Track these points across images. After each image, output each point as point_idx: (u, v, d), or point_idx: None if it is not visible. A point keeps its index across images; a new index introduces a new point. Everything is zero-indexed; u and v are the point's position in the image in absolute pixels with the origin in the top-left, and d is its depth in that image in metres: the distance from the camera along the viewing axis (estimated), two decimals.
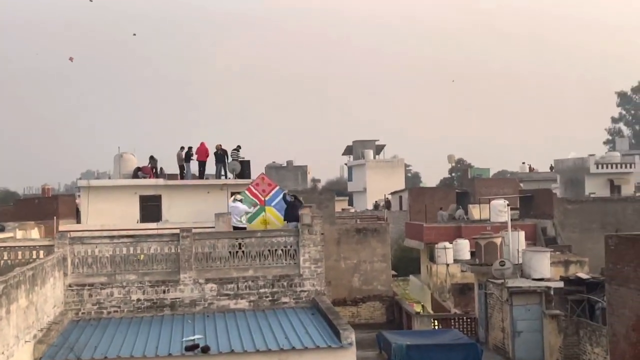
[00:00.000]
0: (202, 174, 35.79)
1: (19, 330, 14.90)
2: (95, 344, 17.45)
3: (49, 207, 43.43)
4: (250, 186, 24.81)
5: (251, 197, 24.08)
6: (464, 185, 70.22)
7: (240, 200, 24.23)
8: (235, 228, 23.99)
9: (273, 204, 24.00)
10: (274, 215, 23.88)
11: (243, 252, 21.09)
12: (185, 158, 35.61)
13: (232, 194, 28.75)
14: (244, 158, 35.20)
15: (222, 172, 35.48)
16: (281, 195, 24.28)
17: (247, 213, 23.80)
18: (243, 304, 20.78)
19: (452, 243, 41.28)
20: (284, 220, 24.00)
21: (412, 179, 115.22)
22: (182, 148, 36.02)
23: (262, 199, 24.08)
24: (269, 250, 21.24)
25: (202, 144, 35.38)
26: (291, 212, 23.55)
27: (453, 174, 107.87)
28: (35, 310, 16.38)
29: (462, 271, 37.89)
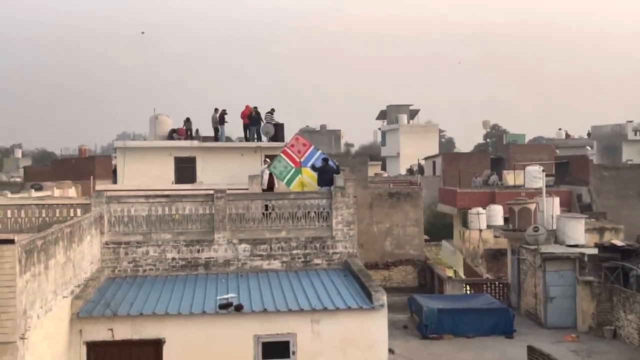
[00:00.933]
0: (247, 137, 35.82)
1: (57, 285, 15.18)
2: (131, 301, 17.73)
3: (86, 168, 44.07)
4: (285, 148, 24.57)
5: (287, 159, 23.74)
6: (499, 151, 69.57)
7: (269, 166, 24.34)
8: (265, 190, 24.21)
9: (309, 164, 23.65)
10: (310, 177, 23.55)
11: (276, 213, 21.18)
12: (219, 120, 35.73)
13: (266, 157, 28.82)
14: (277, 121, 35.25)
15: (256, 135, 35.59)
16: (317, 155, 23.89)
17: (282, 174, 23.78)
18: (276, 264, 20.92)
19: (485, 209, 41.08)
20: (318, 185, 23.95)
21: (446, 145, 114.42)
22: (217, 110, 36.13)
23: (298, 160, 23.78)
24: (302, 212, 21.29)
25: (247, 107, 35.33)
26: (325, 176, 23.51)
27: (488, 140, 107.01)
28: (72, 267, 16.66)
29: (495, 236, 37.76)
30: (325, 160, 23.84)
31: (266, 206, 21.29)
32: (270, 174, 24.65)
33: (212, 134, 36.93)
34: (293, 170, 23.78)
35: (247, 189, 28.16)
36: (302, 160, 23.75)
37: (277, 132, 34.76)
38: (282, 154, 24.20)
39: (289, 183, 23.83)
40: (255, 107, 35.37)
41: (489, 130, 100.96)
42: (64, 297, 15.76)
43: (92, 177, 38.17)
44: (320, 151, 24.58)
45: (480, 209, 40.93)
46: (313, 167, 23.67)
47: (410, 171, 69.71)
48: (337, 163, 24.69)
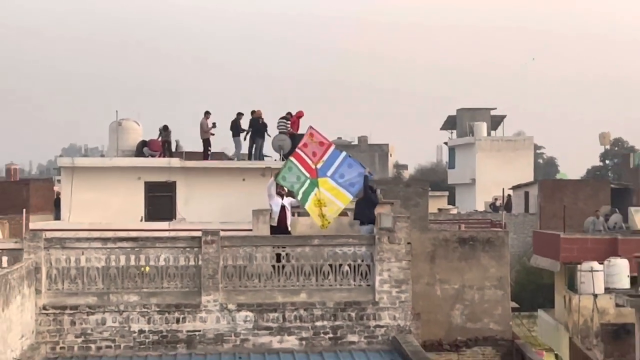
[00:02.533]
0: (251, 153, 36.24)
1: None
2: None
3: (16, 196, 44.50)
4: (297, 149, 24.09)
5: (300, 166, 23.37)
6: (624, 178, 69.22)
7: (276, 177, 24.00)
8: (274, 229, 24.11)
9: (329, 173, 23.23)
10: (330, 191, 23.08)
11: (293, 266, 21.23)
12: (234, 128, 35.85)
13: (277, 175, 28.97)
14: (295, 131, 35.41)
15: (262, 151, 35.79)
16: (341, 158, 23.45)
17: (293, 187, 23.44)
18: (291, 341, 20.92)
19: (603, 263, 40.72)
20: (355, 219, 23.86)
21: (545, 167, 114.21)
22: (207, 114, 36.43)
23: (313, 167, 23.32)
24: (330, 266, 21.31)
25: (256, 112, 35.63)
26: (365, 208, 23.48)
27: (607, 162, 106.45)
28: None
29: (617, 305, 37.36)
30: (365, 177, 23.53)
31: (278, 255, 21.35)
32: (283, 206, 24.46)
33: (199, 149, 37.24)
34: (308, 182, 23.32)
35: (251, 230, 28.28)
36: (318, 167, 23.35)
37: (295, 146, 34.89)
38: (292, 159, 23.82)
39: (304, 201, 23.46)
40: (259, 112, 35.69)
41: (608, 147, 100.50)
42: None
43: (24, 209, 38.51)
44: (345, 153, 24.01)
45: (595, 264, 40.54)
46: (364, 181, 23.29)
47: (492, 206, 69.53)
48: (378, 190, 24.64)
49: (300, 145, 24.13)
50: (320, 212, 23.11)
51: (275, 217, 24.23)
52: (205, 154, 36.66)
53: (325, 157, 23.40)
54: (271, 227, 24.31)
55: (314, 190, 23.20)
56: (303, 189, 23.31)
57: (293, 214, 25.25)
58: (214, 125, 36.29)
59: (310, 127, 24.36)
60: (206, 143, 36.60)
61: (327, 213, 23.11)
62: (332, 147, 23.84)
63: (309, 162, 23.38)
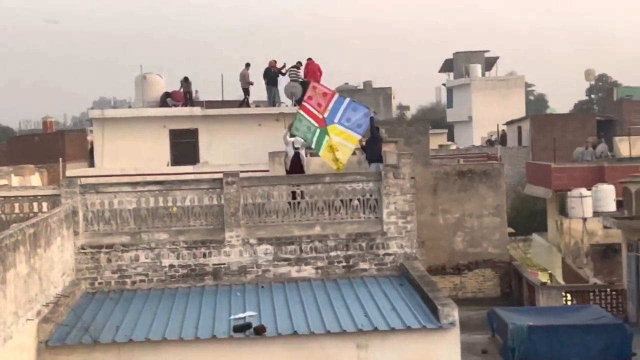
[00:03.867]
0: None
1: (19, 305, 15.39)
2: (116, 324, 17.89)
3: (52, 146, 44.41)
4: (304, 102, 23.95)
5: (308, 117, 23.28)
6: (608, 110, 68.80)
7: (292, 135, 24.12)
8: (291, 171, 24.14)
9: (336, 119, 23.01)
10: (340, 135, 22.95)
11: (307, 202, 21.22)
12: (268, 77, 35.66)
13: (291, 126, 28.86)
14: (306, 79, 35.22)
15: (277, 98, 35.66)
16: (345, 103, 23.22)
17: (307, 137, 23.39)
18: (308, 271, 20.97)
19: (591, 190, 40.62)
20: (367, 159, 23.81)
21: (536, 104, 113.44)
22: (248, 65, 36.36)
23: (321, 117, 23.15)
24: (341, 201, 21.29)
25: (310, 62, 35.26)
26: (373, 147, 23.42)
27: (592, 96, 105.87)
28: (38, 280, 16.88)
29: (604, 227, 37.38)
30: (371, 120, 23.52)
31: (294, 193, 21.34)
32: (297, 151, 24.50)
33: (216, 97, 37.17)
34: (318, 131, 23.28)
35: (268, 171, 28.24)
36: (325, 116, 23.18)
37: (306, 93, 34.72)
38: (301, 111, 23.76)
39: (317, 149, 23.50)
40: (274, 61, 35.45)
41: (593, 82, 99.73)
42: (28, 320, 15.97)
43: (61, 158, 38.53)
44: (349, 99, 23.81)
45: (584, 190, 40.41)
46: (369, 119, 23.19)
47: (488, 141, 69.32)
48: (382, 131, 24.54)
49: (305, 98, 24.11)
50: (334, 157, 23.16)
51: (289, 160, 24.34)
52: (246, 102, 36.65)
53: (330, 106, 23.23)
54: (286, 170, 24.36)
55: (325, 138, 23.17)
56: (315, 137, 23.33)
57: (305, 155, 25.23)
58: (268, 72, 36.06)
59: (312, 83, 24.54)
60: (246, 92, 36.65)
61: (340, 156, 23.16)
62: (336, 95, 23.65)
63: (316, 112, 23.29)
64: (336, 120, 23.07)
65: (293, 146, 24.64)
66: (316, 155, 24.90)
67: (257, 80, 36.23)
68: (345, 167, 23.63)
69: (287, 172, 24.43)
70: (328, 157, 23.30)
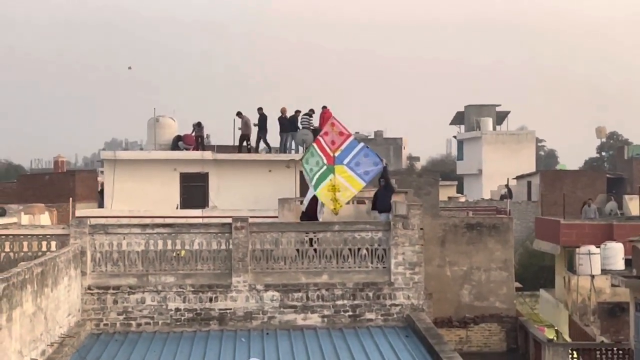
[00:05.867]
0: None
1: (23, 344, 15.36)
2: None
3: (63, 186, 44.58)
4: (319, 137, 23.86)
5: (320, 153, 23.17)
6: (618, 168, 68.79)
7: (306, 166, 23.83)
8: (305, 217, 24.11)
9: (346, 161, 22.94)
10: (346, 178, 22.85)
11: (315, 250, 21.20)
12: (280, 124, 35.73)
13: (302, 173, 28.91)
14: (318, 127, 35.38)
15: (289, 145, 35.78)
16: (358, 148, 23.14)
17: (311, 172, 23.18)
18: (314, 319, 20.90)
19: (599, 247, 40.51)
20: (373, 209, 23.78)
21: (546, 159, 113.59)
22: (240, 114, 36.42)
23: (331, 154, 23.06)
24: (349, 249, 21.27)
25: (325, 110, 35.35)
26: (383, 199, 23.42)
27: (603, 153, 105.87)
28: (44, 319, 16.86)
29: (612, 285, 37.15)
30: (384, 170, 23.50)
31: (310, 240, 21.29)
32: (314, 196, 24.28)
33: (229, 142, 37.28)
34: (325, 167, 23.15)
35: (277, 217, 28.25)
36: (336, 154, 23.06)
37: None
38: (314, 145, 23.66)
39: (316, 185, 23.26)
40: (285, 109, 35.62)
41: (604, 140, 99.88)
42: (32, 359, 15.92)
43: (71, 198, 38.65)
44: (363, 144, 23.73)
45: (592, 248, 40.32)
46: (383, 171, 23.11)
47: (502, 196, 69.25)
48: (393, 182, 24.49)
49: (321, 133, 24.04)
50: (334, 197, 22.97)
51: (306, 203, 24.18)
52: (240, 148, 36.84)
53: (343, 146, 23.19)
54: (302, 214, 24.22)
55: (329, 176, 23.03)
56: (318, 174, 23.21)
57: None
58: (283, 119, 36.23)
59: (333, 118, 24.30)
60: (247, 138, 36.80)
61: (340, 198, 23.01)
62: (351, 138, 23.62)
63: (328, 149, 23.22)
64: (345, 161, 23.00)
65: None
66: None
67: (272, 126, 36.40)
68: (353, 215, 23.57)
69: (304, 213, 24.18)
70: (327, 196, 23.08)
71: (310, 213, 24.02)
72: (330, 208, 23.18)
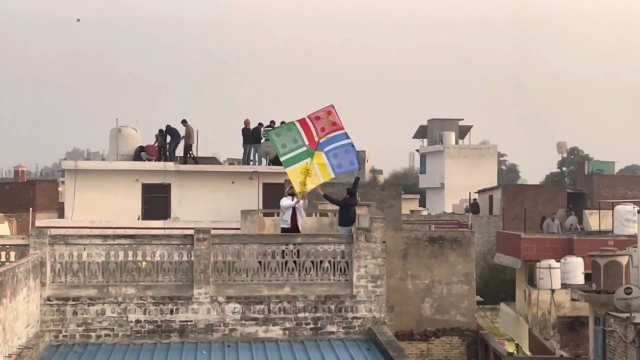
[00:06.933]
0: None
1: None
2: None
3: (23, 196, 44.25)
4: (307, 117, 23.18)
5: (302, 132, 22.74)
6: (579, 183, 69.32)
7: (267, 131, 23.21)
8: (286, 229, 23.80)
9: (326, 149, 22.62)
10: (320, 165, 22.56)
11: (277, 262, 21.17)
12: (243, 136, 35.56)
13: (265, 185, 28.91)
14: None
15: (252, 156, 35.76)
16: (343, 142, 22.80)
17: (284, 148, 22.73)
18: (276, 331, 20.86)
19: (559, 261, 40.81)
20: (340, 224, 23.63)
21: (508, 174, 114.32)
22: (185, 122, 36.27)
23: (316, 139, 22.71)
24: (311, 262, 21.27)
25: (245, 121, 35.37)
26: (349, 211, 23.38)
27: (564, 169, 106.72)
28: (2, 330, 16.67)
29: (572, 300, 37.40)
30: (355, 182, 23.50)
31: (283, 252, 21.11)
32: (294, 208, 23.89)
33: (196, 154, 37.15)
34: (304, 149, 22.69)
35: (239, 229, 28.19)
36: (321, 141, 22.75)
37: None
38: (296, 123, 23.07)
39: (288, 163, 22.81)
40: (248, 120, 35.65)
41: (565, 155, 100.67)
42: None
43: (31, 208, 38.33)
44: (350, 141, 23.20)
45: (552, 262, 40.62)
46: (339, 201, 23.13)
47: (467, 209, 69.58)
48: (356, 194, 24.38)
49: (311, 115, 23.28)
50: (304, 180, 22.59)
51: (288, 218, 23.76)
52: (185, 158, 36.65)
53: (330, 135, 22.84)
54: (282, 228, 23.88)
55: (306, 159, 22.67)
56: (294, 153, 22.75)
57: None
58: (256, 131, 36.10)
59: (332, 106, 23.56)
60: (186, 149, 36.62)
61: (308, 183, 22.66)
62: (342, 131, 23.12)
63: (314, 134, 22.80)
64: (326, 149, 22.73)
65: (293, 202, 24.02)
66: (309, 215, 24.63)
67: (234, 138, 36.43)
68: (316, 228, 23.47)
69: (283, 229, 23.82)
70: (297, 177, 22.70)
71: (293, 226, 23.66)
72: (296, 190, 22.91)
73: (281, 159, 23.17)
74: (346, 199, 23.60)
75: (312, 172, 22.64)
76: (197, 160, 36.41)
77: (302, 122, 23.07)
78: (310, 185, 22.89)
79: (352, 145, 23.30)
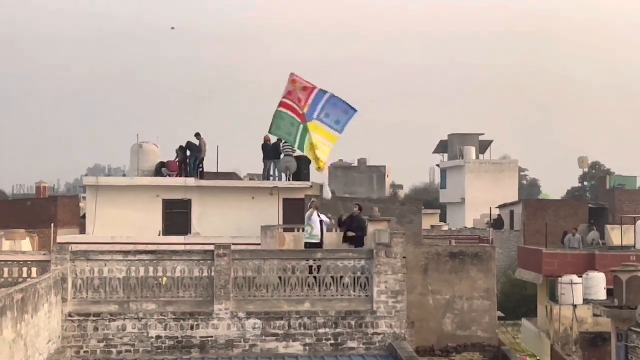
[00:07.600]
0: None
1: None
2: None
3: (45, 212, 44.45)
4: (283, 98, 22.63)
5: (291, 113, 22.30)
6: (600, 198, 69.00)
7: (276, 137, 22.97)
8: (307, 245, 23.88)
9: (315, 114, 22.06)
10: (320, 133, 22.03)
11: (298, 278, 21.17)
12: (264, 151, 35.55)
13: (285, 200, 28.88)
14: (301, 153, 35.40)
15: (273, 172, 35.77)
16: (326, 98, 22.14)
17: (290, 136, 22.52)
18: (296, 347, 20.85)
19: (581, 277, 40.59)
20: (344, 242, 23.65)
21: (529, 189, 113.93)
22: (198, 135, 36.29)
23: (301, 112, 22.15)
24: (331, 277, 21.26)
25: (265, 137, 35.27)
26: (354, 229, 23.41)
27: (585, 183, 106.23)
28: (24, 346, 16.74)
29: (594, 315, 37.22)
30: (359, 208, 23.59)
31: (310, 267, 21.19)
32: (321, 221, 23.90)
33: (214, 169, 37.23)
34: (301, 127, 22.30)
35: (260, 245, 28.20)
36: (305, 111, 22.21)
37: (301, 168, 34.88)
38: (281, 108, 22.65)
39: (301, 147, 22.61)
40: (268, 136, 35.63)
41: (586, 170, 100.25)
42: None
43: (52, 224, 38.49)
44: (330, 94, 22.46)
45: (574, 278, 40.40)
46: (340, 222, 23.22)
47: (489, 223, 69.33)
48: (376, 210, 24.44)
49: (284, 94, 22.85)
50: (315, 155, 22.37)
51: (318, 233, 23.75)
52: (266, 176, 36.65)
53: (310, 101, 22.31)
54: (310, 243, 23.84)
55: (307, 135, 22.32)
56: (299, 135, 22.55)
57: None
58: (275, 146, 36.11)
59: (292, 74, 23.00)
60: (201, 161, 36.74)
61: (320, 155, 22.37)
62: (317, 90, 22.52)
63: (297, 108, 22.40)
64: (315, 115, 22.26)
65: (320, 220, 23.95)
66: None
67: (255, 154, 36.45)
68: (336, 244, 23.47)
69: (313, 245, 23.72)
70: (311, 156, 22.50)
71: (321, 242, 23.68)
72: (315, 167, 22.71)
73: (295, 147, 22.98)
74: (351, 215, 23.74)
75: (317, 143, 22.16)
76: (203, 175, 36.48)
77: (283, 105, 22.62)
78: (324, 156, 22.33)
79: (335, 96, 22.56)
